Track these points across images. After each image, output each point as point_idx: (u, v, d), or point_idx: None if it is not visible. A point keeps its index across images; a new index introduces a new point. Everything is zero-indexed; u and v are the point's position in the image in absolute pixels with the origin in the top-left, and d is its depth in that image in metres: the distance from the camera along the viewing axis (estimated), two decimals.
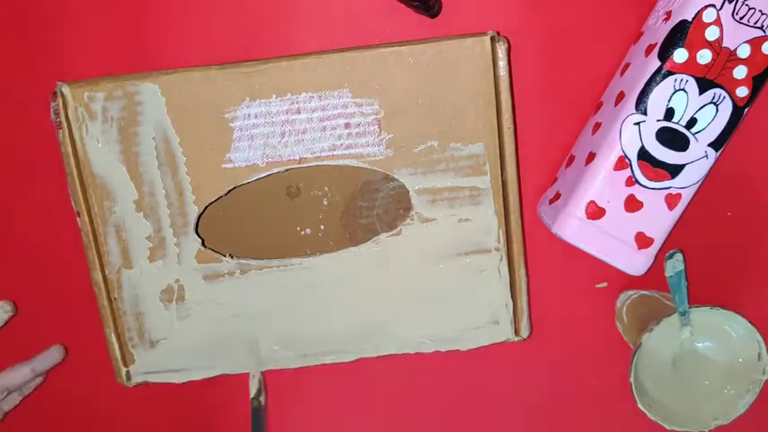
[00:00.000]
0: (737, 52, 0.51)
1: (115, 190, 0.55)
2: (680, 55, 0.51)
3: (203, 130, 0.54)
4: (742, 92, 0.52)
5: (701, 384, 0.59)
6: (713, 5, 0.50)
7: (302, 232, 0.61)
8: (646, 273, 0.55)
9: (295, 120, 0.54)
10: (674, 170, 0.53)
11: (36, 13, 0.58)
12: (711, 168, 0.54)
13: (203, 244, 0.57)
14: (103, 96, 0.54)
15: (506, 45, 0.53)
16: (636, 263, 0.55)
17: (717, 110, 0.52)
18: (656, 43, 0.52)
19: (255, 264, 0.57)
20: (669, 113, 0.52)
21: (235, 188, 0.56)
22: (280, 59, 0.54)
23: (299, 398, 0.66)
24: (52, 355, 0.62)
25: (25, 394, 0.62)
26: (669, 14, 0.52)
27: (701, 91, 0.52)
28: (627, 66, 0.56)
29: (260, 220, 0.60)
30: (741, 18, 0.50)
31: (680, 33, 0.51)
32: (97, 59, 0.58)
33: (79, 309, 0.61)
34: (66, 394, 0.65)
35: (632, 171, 0.53)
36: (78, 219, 0.56)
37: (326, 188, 0.60)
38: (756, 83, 0.52)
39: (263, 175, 0.55)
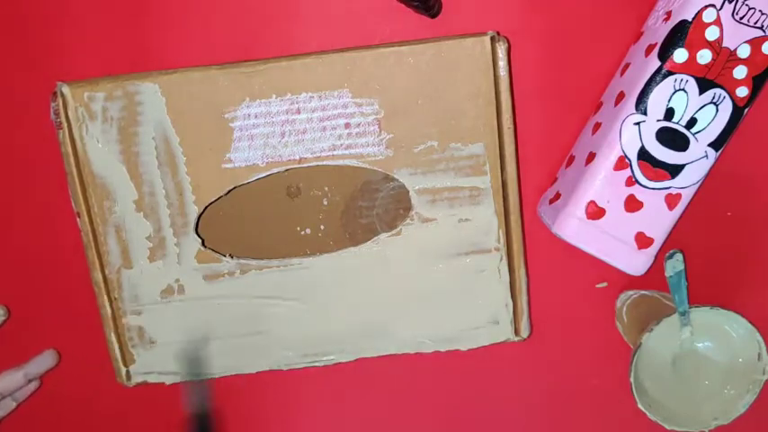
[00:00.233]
0: (737, 52, 0.51)
1: (115, 190, 0.55)
2: (680, 55, 0.51)
3: (203, 130, 0.54)
4: (742, 92, 0.52)
5: (701, 384, 0.59)
6: (713, 5, 0.50)
7: (302, 232, 0.61)
8: (646, 273, 0.55)
9: (295, 120, 0.54)
10: (674, 170, 0.53)
11: (36, 13, 0.58)
12: (711, 168, 0.54)
13: (203, 244, 0.57)
14: (103, 96, 0.54)
15: (506, 45, 0.53)
16: (636, 263, 0.55)
17: (717, 110, 0.52)
18: (656, 43, 0.52)
19: (255, 264, 0.57)
20: (669, 113, 0.52)
21: (235, 188, 0.56)
22: (280, 59, 0.54)
23: (299, 398, 0.66)
24: (45, 360, 0.62)
25: (20, 400, 0.62)
26: (669, 14, 0.52)
27: (701, 91, 0.52)
28: (627, 66, 0.56)
29: (260, 220, 0.60)
30: (741, 18, 0.50)
31: (680, 33, 0.51)
32: (97, 59, 0.58)
33: (79, 309, 0.61)
34: (65, 395, 0.65)
35: (632, 171, 0.53)
36: (78, 219, 0.56)
37: (326, 188, 0.60)
38: (756, 83, 0.52)
39: (263, 175, 0.55)
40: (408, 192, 0.56)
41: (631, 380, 0.56)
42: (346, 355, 0.60)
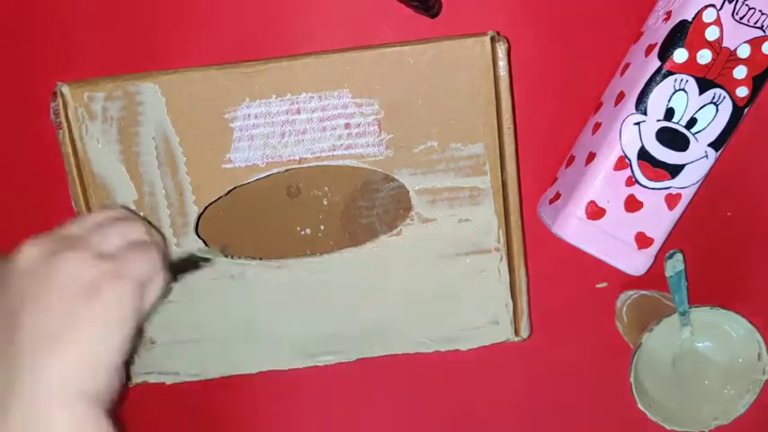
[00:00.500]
0: (737, 52, 0.51)
1: (115, 190, 0.55)
2: (680, 55, 0.51)
3: (203, 130, 0.54)
4: (742, 92, 0.52)
5: (701, 384, 0.59)
6: (713, 5, 0.50)
7: (302, 232, 0.61)
8: (646, 273, 0.55)
9: (295, 120, 0.54)
10: (674, 170, 0.53)
11: (36, 13, 0.58)
12: (711, 168, 0.54)
13: (204, 244, 0.57)
14: (103, 96, 0.53)
15: (506, 45, 0.53)
16: (636, 263, 0.55)
17: (717, 110, 0.52)
18: (656, 43, 0.52)
19: (255, 264, 0.57)
20: (669, 113, 0.52)
21: (235, 188, 0.56)
22: (280, 59, 0.54)
23: (299, 398, 0.66)
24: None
25: None
26: (669, 14, 0.52)
27: (701, 91, 0.52)
28: (627, 66, 0.56)
29: (260, 220, 0.60)
30: (741, 18, 0.50)
31: (680, 33, 0.51)
32: (97, 59, 0.58)
33: None
34: None
35: (632, 171, 0.53)
36: None
37: (326, 188, 0.60)
38: (756, 83, 0.52)
39: (263, 175, 0.55)
40: (408, 192, 0.56)
41: (631, 380, 0.56)
42: (346, 356, 0.60)
